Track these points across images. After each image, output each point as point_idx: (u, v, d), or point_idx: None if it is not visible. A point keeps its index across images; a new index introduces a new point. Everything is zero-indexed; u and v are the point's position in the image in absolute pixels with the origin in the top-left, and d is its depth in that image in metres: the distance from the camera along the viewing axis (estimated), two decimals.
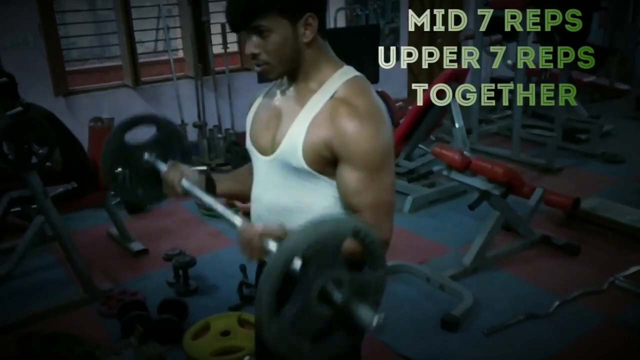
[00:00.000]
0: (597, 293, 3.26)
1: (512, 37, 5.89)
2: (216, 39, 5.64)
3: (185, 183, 1.53)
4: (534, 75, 6.35)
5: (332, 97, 1.36)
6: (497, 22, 5.93)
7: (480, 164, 3.55)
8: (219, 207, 1.43)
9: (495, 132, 6.34)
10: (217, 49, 5.69)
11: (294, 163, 1.37)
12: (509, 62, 6.54)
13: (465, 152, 3.87)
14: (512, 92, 5.77)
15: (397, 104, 5.73)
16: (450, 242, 3.94)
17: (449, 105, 4.59)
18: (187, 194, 1.54)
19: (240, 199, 1.66)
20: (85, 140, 3.92)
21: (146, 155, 1.65)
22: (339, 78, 1.39)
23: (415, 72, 7.69)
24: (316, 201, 1.41)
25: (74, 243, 3.31)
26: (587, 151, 5.68)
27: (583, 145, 5.81)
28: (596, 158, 5.49)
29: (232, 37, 5.87)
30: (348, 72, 1.41)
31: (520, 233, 3.85)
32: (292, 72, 1.40)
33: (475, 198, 3.56)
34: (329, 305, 1.11)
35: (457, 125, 4.58)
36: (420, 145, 5.06)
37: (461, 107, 4.64)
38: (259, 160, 1.50)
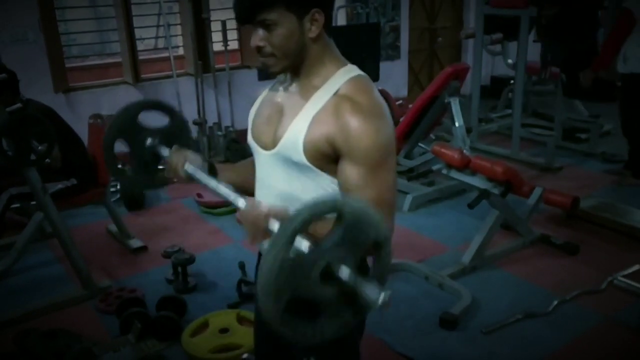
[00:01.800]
0: (596, 292, 3.26)
1: (513, 36, 5.90)
2: (216, 36, 5.64)
3: (188, 166, 1.53)
4: (534, 74, 6.35)
5: (335, 94, 1.36)
6: (497, 21, 5.96)
7: (480, 162, 3.55)
8: (222, 189, 1.42)
9: (495, 131, 6.34)
10: (217, 47, 5.68)
11: (294, 158, 1.37)
12: (510, 61, 6.55)
13: (464, 151, 3.87)
14: (512, 91, 5.79)
15: (397, 102, 5.73)
16: (449, 241, 3.94)
17: (449, 103, 4.59)
18: (189, 178, 1.53)
19: (241, 192, 1.66)
20: (85, 136, 3.92)
21: (149, 141, 1.65)
22: (343, 75, 1.39)
23: (415, 70, 7.69)
24: (330, 190, 1.41)
25: (73, 240, 3.31)
26: (587, 150, 5.68)
27: (583, 145, 5.81)
28: (596, 157, 5.49)
29: (232, 34, 5.87)
30: (352, 70, 1.41)
31: (519, 232, 3.85)
32: (296, 67, 1.40)
33: (474, 197, 3.56)
34: (333, 284, 1.10)
35: (457, 124, 4.57)
36: (420, 144, 5.06)
37: (461, 105, 4.65)
38: (260, 155, 1.50)
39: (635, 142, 4.80)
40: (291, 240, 1.06)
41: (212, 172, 1.58)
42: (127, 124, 1.66)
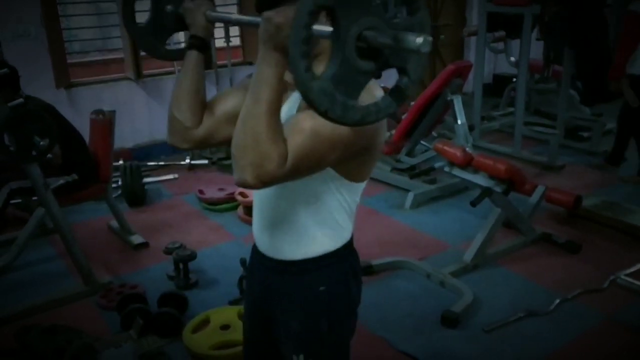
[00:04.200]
0: (598, 291, 3.26)
1: (516, 34, 5.88)
2: (218, 33, 5.62)
3: (206, 9, 1.47)
4: (536, 72, 6.34)
5: None
6: (500, 19, 5.95)
7: (482, 160, 3.54)
8: (240, 17, 1.41)
9: (498, 129, 6.34)
10: (219, 43, 5.67)
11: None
12: (512, 59, 6.53)
13: (467, 149, 3.86)
14: (515, 89, 5.78)
15: None
16: (451, 239, 3.94)
17: (451, 101, 4.59)
18: (209, 22, 1.47)
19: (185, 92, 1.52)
20: (86, 132, 3.91)
21: (169, 8, 1.60)
22: None
23: None
24: (319, 187, 1.37)
25: (74, 235, 3.31)
26: (589, 149, 5.67)
27: (585, 143, 5.80)
28: (598, 156, 5.47)
29: (234, 30, 5.86)
30: None
31: (521, 230, 3.84)
32: None
33: (476, 195, 3.55)
34: (370, 58, 1.04)
35: (459, 122, 4.57)
36: (422, 142, 5.04)
37: (463, 103, 4.64)
38: None
39: (626, 137, 4.96)
40: (312, 25, 0.99)
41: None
42: None
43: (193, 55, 1.49)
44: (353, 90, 1.05)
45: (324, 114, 1.02)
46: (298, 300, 1.46)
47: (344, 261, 1.48)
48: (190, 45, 1.50)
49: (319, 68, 1.12)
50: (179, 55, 1.63)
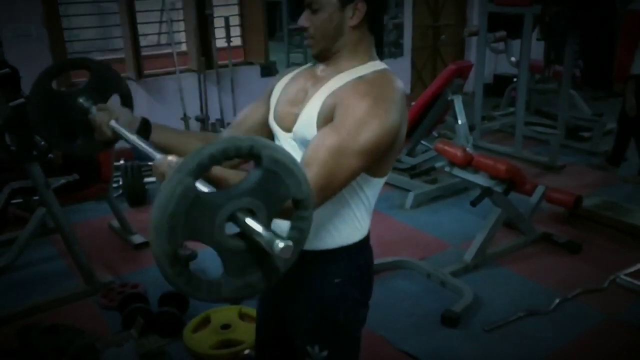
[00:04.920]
0: (598, 291, 3.26)
1: (516, 34, 5.88)
2: (219, 33, 5.63)
3: (113, 123, 1.45)
4: (537, 73, 6.34)
5: (357, 78, 1.37)
6: (501, 19, 5.95)
7: (483, 160, 3.54)
8: (141, 144, 1.35)
9: (498, 129, 6.34)
10: (220, 43, 5.67)
11: (309, 137, 1.35)
12: (513, 59, 6.53)
13: (467, 149, 3.87)
14: (516, 89, 5.78)
15: None
16: (451, 239, 3.94)
17: (452, 101, 4.59)
18: (116, 136, 1.45)
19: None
20: None
21: (81, 101, 1.54)
22: (371, 67, 1.40)
23: (418, 68, 7.68)
24: None
25: (75, 235, 3.31)
26: (590, 149, 5.68)
27: (586, 143, 5.81)
28: (599, 156, 5.48)
29: (235, 30, 5.86)
30: (381, 65, 1.43)
31: (521, 230, 3.84)
32: (330, 52, 1.41)
33: (477, 195, 3.55)
34: (241, 239, 1.02)
35: (459, 122, 4.57)
36: (422, 142, 5.05)
37: (464, 103, 4.65)
38: (281, 138, 1.47)
39: (626, 137, 4.96)
40: (196, 171, 0.95)
41: (145, 128, 1.48)
42: (45, 101, 1.54)
43: (152, 139, 1.47)
44: (236, 269, 1.06)
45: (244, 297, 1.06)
46: (314, 291, 1.47)
47: (359, 255, 1.50)
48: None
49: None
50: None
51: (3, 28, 4.79)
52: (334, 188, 1.29)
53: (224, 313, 2.99)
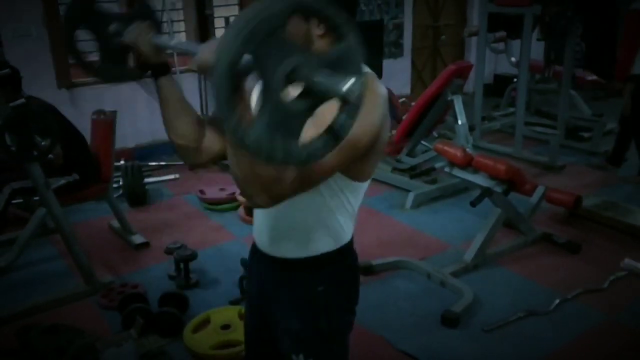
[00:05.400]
0: (598, 291, 3.26)
1: (516, 34, 5.89)
2: (220, 33, 5.63)
3: (151, 35, 1.41)
4: (537, 73, 6.34)
5: None
6: (501, 19, 5.95)
7: (483, 161, 3.55)
8: (183, 45, 1.35)
9: (498, 129, 6.34)
10: None
11: None
12: (513, 59, 6.54)
13: (467, 149, 3.87)
14: (516, 89, 5.79)
15: (400, 100, 5.73)
16: (451, 239, 3.94)
17: (452, 101, 4.59)
18: (155, 48, 1.41)
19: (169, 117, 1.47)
20: (87, 133, 3.92)
21: (114, 26, 1.50)
22: None
23: (419, 68, 7.68)
24: (323, 188, 1.36)
25: (76, 235, 3.32)
26: (590, 149, 5.68)
27: (586, 144, 5.81)
28: (599, 156, 5.48)
29: None
30: (364, 68, 1.40)
31: (521, 230, 3.85)
32: None
33: (477, 195, 3.55)
34: (302, 97, 1.00)
35: (459, 122, 4.57)
36: (422, 142, 5.05)
37: (464, 103, 4.65)
38: None
39: (627, 138, 4.99)
40: (293, 9, 0.95)
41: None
42: (85, 10, 1.51)
43: (161, 82, 1.46)
44: (292, 131, 1.01)
45: (266, 161, 1.00)
46: (297, 299, 1.47)
47: (343, 261, 1.48)
48: (153, 74, 1.46)
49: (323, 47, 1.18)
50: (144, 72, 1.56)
51: (3, 28, 4.79)
52: (310, 183, 1.26)
53: (224, 313, 3.00)
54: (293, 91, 0.98)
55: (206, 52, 1.15)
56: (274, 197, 1.19)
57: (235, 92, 0.96)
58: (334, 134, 1.04)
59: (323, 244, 1.44)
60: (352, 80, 0.95)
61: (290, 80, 0.97)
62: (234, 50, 0.93)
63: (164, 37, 1.42)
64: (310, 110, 1.01)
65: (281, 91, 0.97)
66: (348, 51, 1.02)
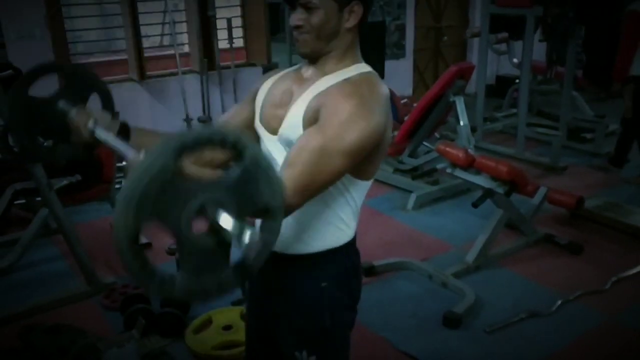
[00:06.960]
0: (600, 292, 3.26)
1: (518, 35, 5.88)
2: (222, 34, 5.64)
3: (91, 125, 1.42)
4: (539, 74, 6.34)
5: (343, 80, 1.36)
6: (503, 20, 5.95)
7: (485, 162, 3.55)
8: (119, 145, 1.33)
9: (500, 130, 6.34)
10: (222, 44, 5.69)
11: (294, 139, 1.35)
12: (515, 60, 6.54)
13: (469, 150, 3.87)
14: (518, 90, 5.78)
15: (402, 101, 5.72)
16: (453, 240, 3.94)
17: (454, 102, 4.59)
18: (94, 139, 1.42)
19: None
20: None
21: (61, 105, 1.52)
22: (356, 70, 1.40)
23: (420, 69, 7.68)
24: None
25: (78, 236, 3.32)
26: (592, 150, 5.67)
27: (588, 145, 5.80)
28: (601, 157, 5.47)
29: (237, 32, 5.87)
30: (366, 68, 1.42)
31: (523, 231, 3.84)
32: (320, 54, 1.40)
33: (478, 196, 3.55)
34: (206, 233, 0.99)
35: (461, 123, 4.57)
36: (424, 143, 5.05)
37: (466, 104, 4.65)
38: (266, 141, 1.47)
39: (629, 139, 4.99)
40: (179, 151, 0.92)
41: (125, 131, 1.46)
42: (25, 111, 1.53)
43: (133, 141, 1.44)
44: (217, 264, 1.02)
45: (203, 300, 1.03)
46: (301, 295, 1.47)
47: (346, 258, 1.49)
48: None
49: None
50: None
51: (7, 29, 4.80)
52: (317, 188, 1.28)
53: (226, 314, 3.00)
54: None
55: (133, 163, 1.18)
56: (287, 215, 1.20)
57: (145, 260, 0.99)
58: (242, 270, 1.06)
59: (327, 241, 1.44)
60: (248, 234, 0.95)
61: (200, 215, 0.96)
62: (130, 224, 0.93)
63: (102, 131, 1.40)
64: (213, 248, 1.00)
65: (192, 233, 0.96)
66: (249, 169, 1.00)
